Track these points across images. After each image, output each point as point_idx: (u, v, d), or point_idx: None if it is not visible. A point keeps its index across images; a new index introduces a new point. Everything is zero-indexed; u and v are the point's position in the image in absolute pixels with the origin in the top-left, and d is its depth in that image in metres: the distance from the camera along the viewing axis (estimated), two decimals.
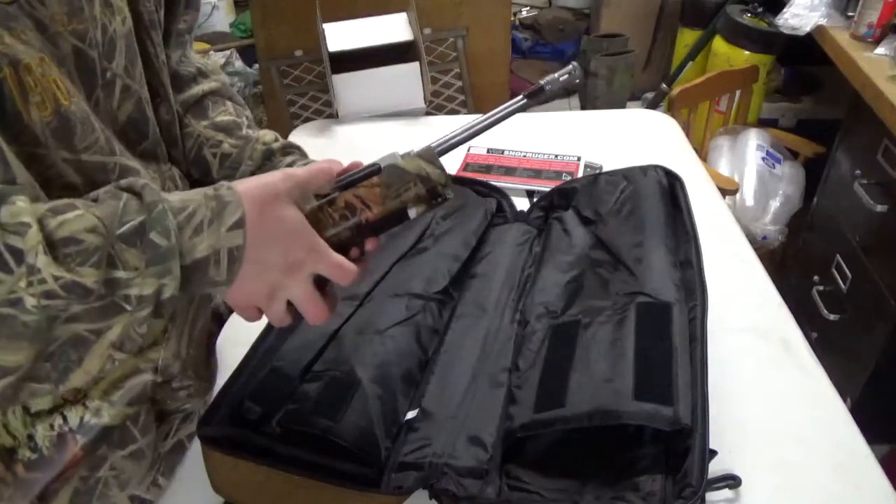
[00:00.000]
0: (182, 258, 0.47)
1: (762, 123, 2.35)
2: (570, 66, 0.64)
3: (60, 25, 0.50)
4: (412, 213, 0.58)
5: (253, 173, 0.74)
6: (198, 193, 0.50)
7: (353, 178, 0.58)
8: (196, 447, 0.65)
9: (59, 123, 0.50)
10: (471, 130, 0.62)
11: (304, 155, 0.79)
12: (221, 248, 0.49)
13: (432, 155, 0.58)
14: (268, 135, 0.78)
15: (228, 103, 0.78)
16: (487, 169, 1.24)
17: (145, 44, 0.62)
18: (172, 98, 0.68)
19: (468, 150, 1.29)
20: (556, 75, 0.63)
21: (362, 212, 0.56)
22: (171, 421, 0.69)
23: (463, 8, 2.11)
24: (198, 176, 0.75)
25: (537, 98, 0.63)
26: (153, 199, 0.47)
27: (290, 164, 0.75)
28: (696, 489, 0.57)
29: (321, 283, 0.57)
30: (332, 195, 0.57)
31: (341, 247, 0.57)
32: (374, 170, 0.57)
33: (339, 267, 0.55)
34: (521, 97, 0.64)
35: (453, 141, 0.61)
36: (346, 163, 0.61)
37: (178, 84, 0.73)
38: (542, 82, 0.63)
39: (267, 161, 0.76)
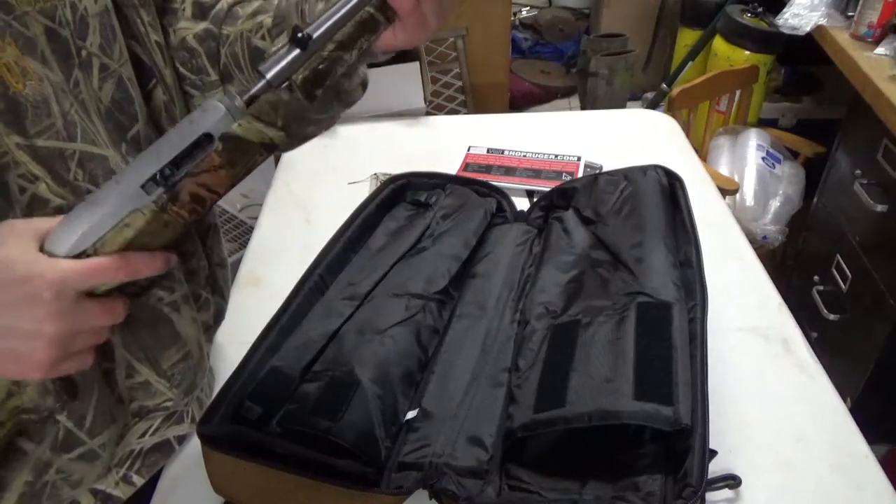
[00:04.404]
0: None
1: (762, 123, 2.35)
2: None
3: (27, 5, 0.50)
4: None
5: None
6: None
7: (187, 157, 0.46)
8: (197, 447, 0.65)
9: (7, 107, 0.49)
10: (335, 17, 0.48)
11: None
12: None
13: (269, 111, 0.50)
14: None
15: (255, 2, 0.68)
16: (487, 169, 1.24)
17: (134, 23, 0.61)
18: (172, 78, 0.65)
19: (468, 150, 1.29)
20: None
21: (211, 199, 0.48)
22: (152, 418, 0.68)
23: (463, 8, 2.11)
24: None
25: None
26: None
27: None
28: (696, 489, 0.57)
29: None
30: (172, 188, 0.46)
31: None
32: (207, 144, 0.47)
33: (102, 267, 0.46)
34: None
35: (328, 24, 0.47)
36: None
37: (204, 12, 0.66)
38: None
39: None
